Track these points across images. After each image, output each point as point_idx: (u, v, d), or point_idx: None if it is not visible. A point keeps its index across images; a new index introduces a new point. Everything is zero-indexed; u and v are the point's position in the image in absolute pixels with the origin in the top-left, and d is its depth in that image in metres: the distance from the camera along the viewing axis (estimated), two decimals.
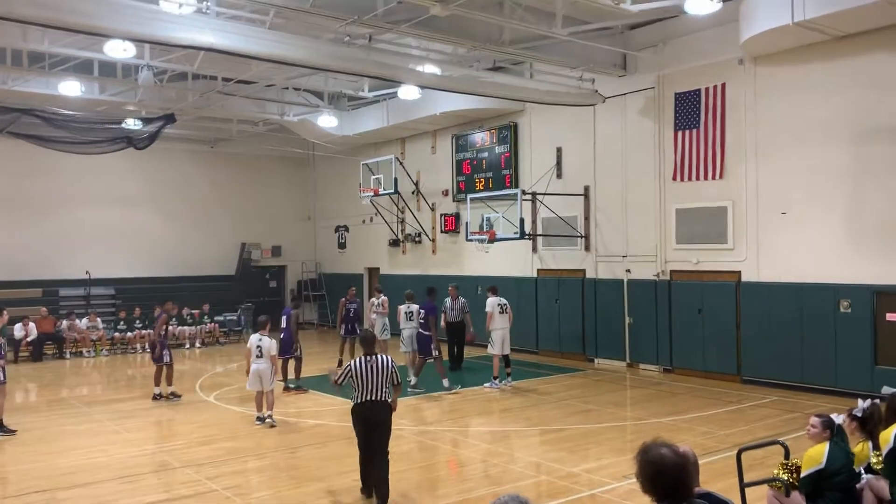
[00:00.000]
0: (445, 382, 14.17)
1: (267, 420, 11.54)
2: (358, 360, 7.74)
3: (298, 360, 14.72)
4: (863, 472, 5.79)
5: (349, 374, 7.65)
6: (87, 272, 22.90)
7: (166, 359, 13.80)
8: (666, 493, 3.41)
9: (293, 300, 15.96)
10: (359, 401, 7.67)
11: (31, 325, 19.40)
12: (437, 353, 14.18)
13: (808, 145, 13.65)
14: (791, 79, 13.89)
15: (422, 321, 14.34)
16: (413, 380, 14.18)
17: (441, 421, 12.08)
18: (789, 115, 13.95)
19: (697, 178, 15.39)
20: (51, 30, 12.98)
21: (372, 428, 7.73)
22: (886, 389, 6.03)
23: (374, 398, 7.62)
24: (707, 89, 15.18)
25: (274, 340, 11.91)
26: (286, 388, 14.43)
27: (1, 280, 21.72)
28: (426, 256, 23.13)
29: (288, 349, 14.53)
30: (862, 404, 6.01)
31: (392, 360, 7.85)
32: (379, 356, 7.78)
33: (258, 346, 11.56)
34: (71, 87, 16.88)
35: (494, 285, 15.57)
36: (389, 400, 7.77)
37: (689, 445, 4.04)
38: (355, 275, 25.88)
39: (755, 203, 14.48)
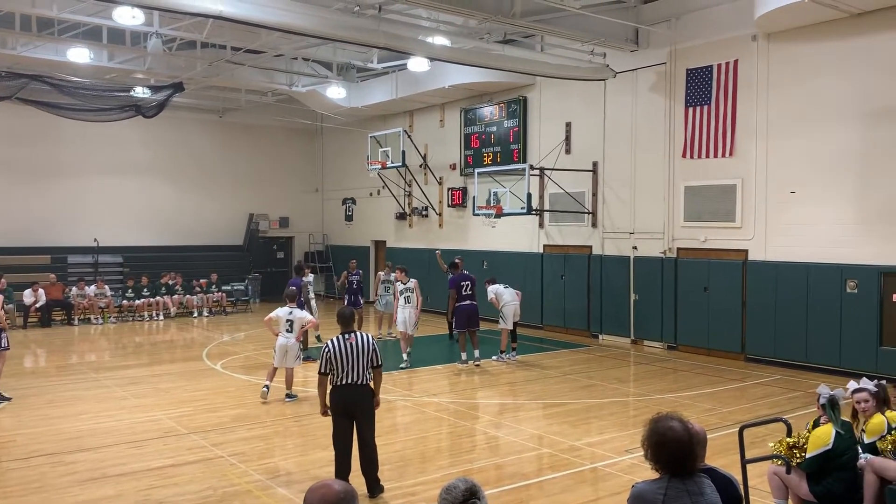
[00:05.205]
0: (464, 356, 14.27)
1: (287, 398, 11.26)
2: (334, 339, 7.15)
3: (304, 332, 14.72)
4: (860, 450, 5.82)
5: (328, 358, 7.04)
6: (95, 240, 23.03)
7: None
8: (670, 465, 3.46)
9: (298, 270, 15.41)
10: (337, 384, 7.08)
11: (41, 291, 19.56)
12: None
13: (819, 125, 13.52)
14: (804, 57, 13.73)
15: (469, 293, 14.27)
16: (476, 353, 14.20)
17: (445, 393, 12.16)
18: (801, 93, 13.81)
19: (707, 156, 15.29)
20: None
21: (352, 415, 7.11)
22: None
23: (353, 381, 7.04)
24: (720, 66, 15.02)
25: (306, 313, 11.76)
26: None
27: (10, 246, 21.90)
28: (433, 230, 23.12)
29: None
30: (852, 385, 6.07)
31: (372, 338, 7.29)
32: (358, 334, 7.21)
33: (288, 321, 11.29)
34: (80, 54, 16.86)
35: (492, 276, 16.05)
36: (370, 383, 7.19)
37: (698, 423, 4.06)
38: (362, 247, 25.93)
39: (764, 182, 14.39)
